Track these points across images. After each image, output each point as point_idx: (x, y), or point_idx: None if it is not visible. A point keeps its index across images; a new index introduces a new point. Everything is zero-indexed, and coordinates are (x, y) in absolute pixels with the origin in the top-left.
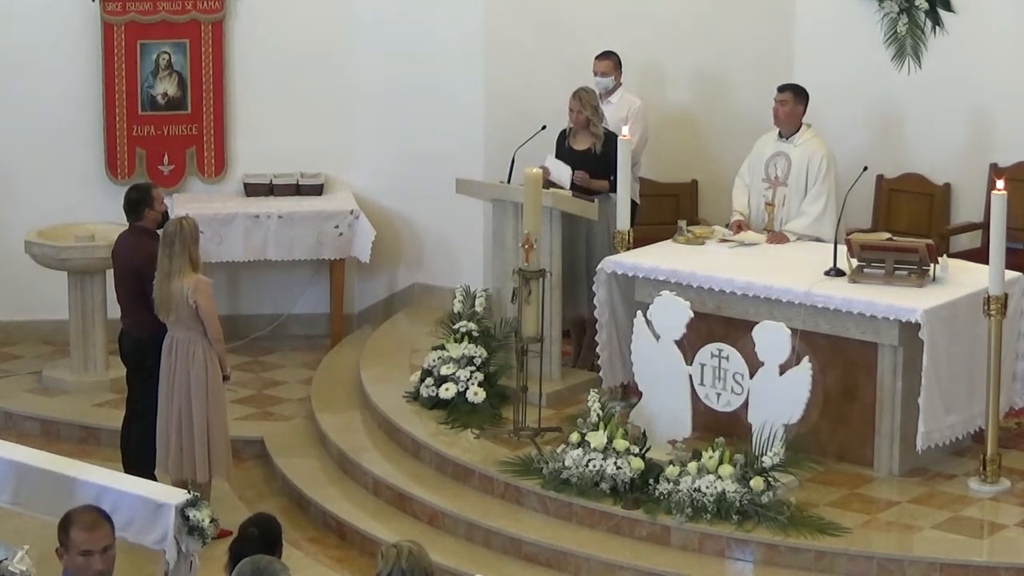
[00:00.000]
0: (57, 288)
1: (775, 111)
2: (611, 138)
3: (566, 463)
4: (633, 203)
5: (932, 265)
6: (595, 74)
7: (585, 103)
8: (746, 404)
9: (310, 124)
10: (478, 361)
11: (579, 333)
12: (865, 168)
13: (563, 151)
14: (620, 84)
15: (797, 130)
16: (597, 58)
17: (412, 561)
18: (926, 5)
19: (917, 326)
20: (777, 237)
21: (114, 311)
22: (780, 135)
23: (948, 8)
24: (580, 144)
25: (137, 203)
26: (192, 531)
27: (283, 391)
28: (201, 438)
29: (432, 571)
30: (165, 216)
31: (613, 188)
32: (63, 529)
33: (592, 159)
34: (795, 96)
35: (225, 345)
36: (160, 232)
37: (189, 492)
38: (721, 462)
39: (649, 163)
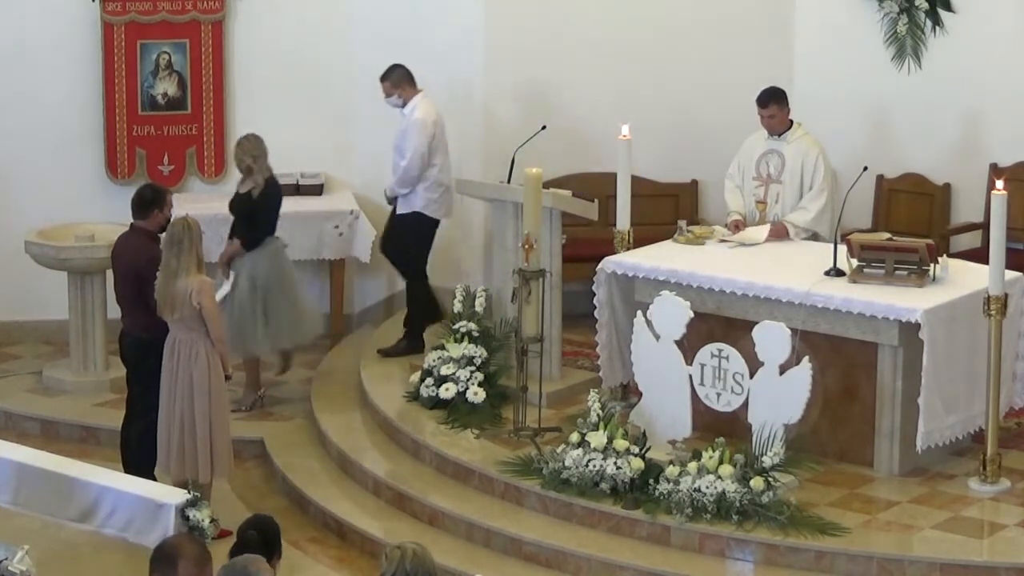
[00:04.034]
0: (57, 288)
1: (767, 125)
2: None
3: (566, 463)
4: (426, 218)
5: (932, 265)
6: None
7: (245, 152)
8: (746, 404)
9: (310, 124)
10: (478, 361)
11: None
12: (865, 168)
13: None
14: (417, 92)
15: (788, 128)
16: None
17: (416, 562)
18: (926, 5)
19: (917, 326)
20: (777, 229)
21: (114, 311)
22: (770, 133)
23: (948, 8)
24: (243, 187)
25: (150, 202)
26: (192, 531)
27: (283, 391)
28: (203, 439)
29: (435, 572)
30: (167, 222)
31: (244, 244)
32: (168, 563)
33: (250, 202)
34: (779, 103)
35: (227, 346)
36: (162, 235)
37: (189, 492)
38: (721, 462)
39: (649, 163)
